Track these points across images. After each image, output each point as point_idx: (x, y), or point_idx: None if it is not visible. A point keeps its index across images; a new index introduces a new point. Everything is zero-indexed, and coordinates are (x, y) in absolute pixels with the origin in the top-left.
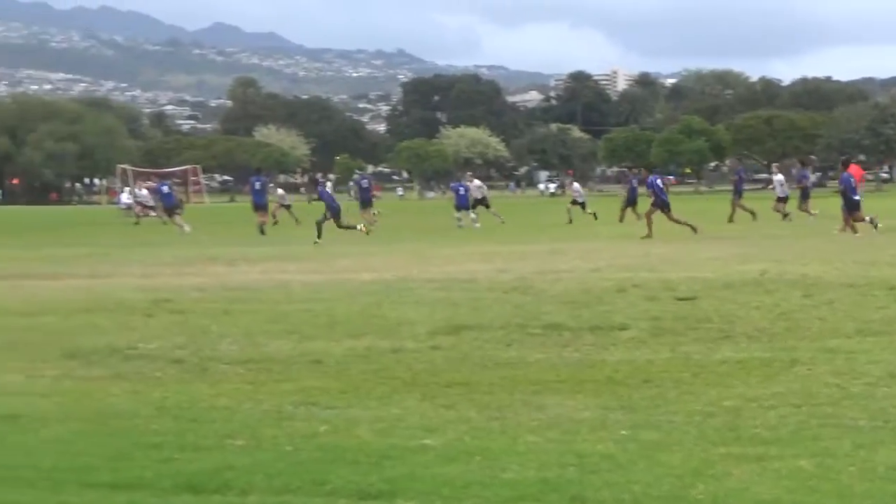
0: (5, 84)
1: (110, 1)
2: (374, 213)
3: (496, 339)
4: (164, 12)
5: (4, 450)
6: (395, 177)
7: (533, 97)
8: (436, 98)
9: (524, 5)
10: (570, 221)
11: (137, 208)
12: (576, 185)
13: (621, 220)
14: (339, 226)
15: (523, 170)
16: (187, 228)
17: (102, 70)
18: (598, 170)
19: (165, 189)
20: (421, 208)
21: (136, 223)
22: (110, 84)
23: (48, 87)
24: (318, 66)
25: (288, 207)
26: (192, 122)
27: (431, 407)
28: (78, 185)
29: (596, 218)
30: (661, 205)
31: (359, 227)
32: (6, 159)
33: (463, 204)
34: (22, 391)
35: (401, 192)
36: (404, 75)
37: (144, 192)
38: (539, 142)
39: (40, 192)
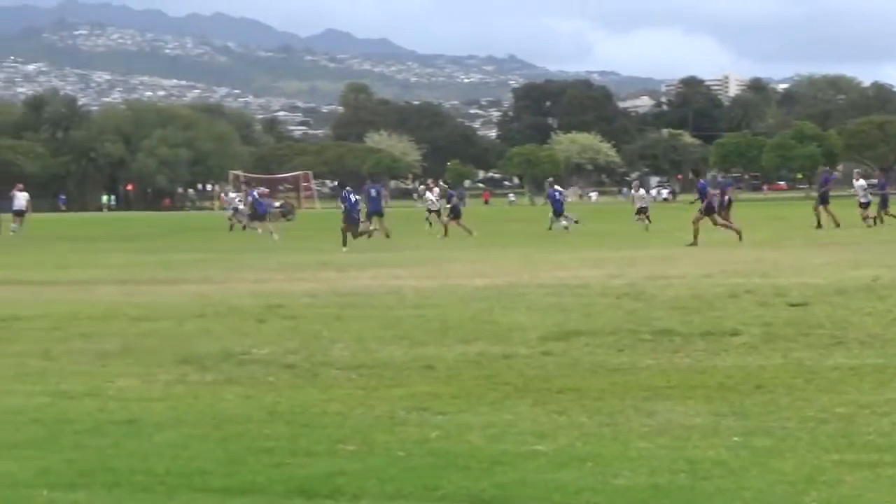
0: (120, 90)
1: (224, 8)
2: (373, 228)
3: (607, 344)
4: (276, 19)
5: (120, 454)
6: (506, 182)
7: (644, 103)
8: (547, 104)
9: (636, 11)
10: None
11: (230, 213)
12: (641, 190)
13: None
14: (354, 235)
15: (634, 175)
16: (276, 237)
17: (216, 76)
18: (709, 175)
19: (255, 195)
20: (531, 214)
21: (231, 229)
22: (223, 90)
23: (162, 93)
24: (430, 72)
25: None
26: (303, 128)
27: (543, 412)
28: (191, 190)
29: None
30: (709, 210)
31: (371, 229)
32: (120, 165)
33: (559, 209)
34: (137, 396)
35: (512, 198)
36: (516, 81)
37: (232, 195)
38: (650, 147)
39: (154, 198)
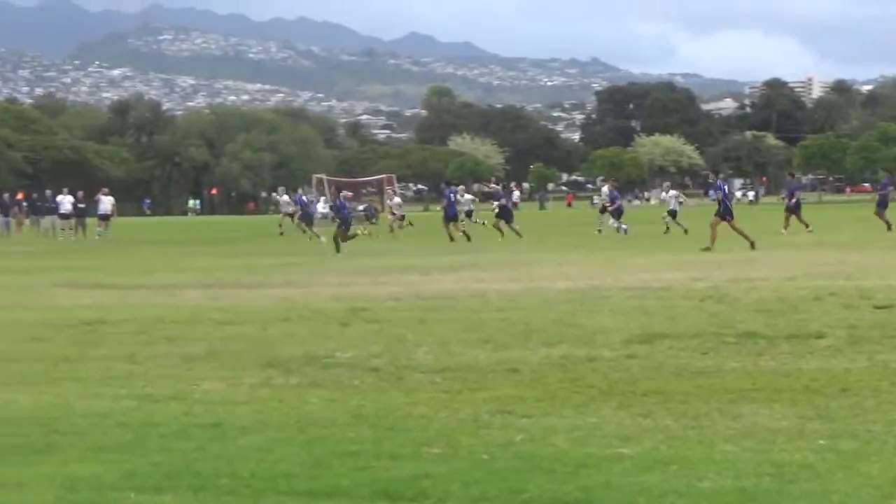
0: (204, 95)
1: (307, 12)
2: (363, 230)
3: (691, 347)
4: (360, 23)
5: (205, 457)
6: (589, 185)
7: (727, 105)
8: (630, 106)
9: (719, 13)
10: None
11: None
12: (672, 192)
13: (790, 225)
14: (343, 238)
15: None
16: (323, 240)
17: (299, 80)
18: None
19: (305, 200)
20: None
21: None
22: (307, 94)
23: (245, 97)
24: (513, 75)
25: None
26: (387, 131)
27: (627, 416)
28: (274, 194)
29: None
30: (726, 213)
31: (359, 232)
32: (205, 169)
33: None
34: (222, 399)
35: (595, 201)
36: (599, 84)
37: (286, 198)
38: (734, 149)
39: (238, 202)
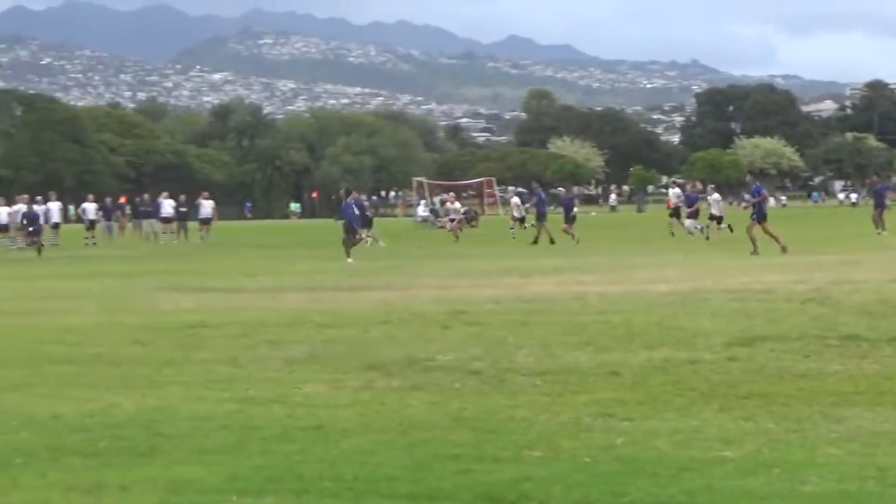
0: (304, 98)
1: (407, 15)
2: (367, 235)
3: (793, 350)
4: (459, 26)
5: (308, 460)
6: (688, 188)
7: (828, 106)
8: (730, 108)
9: (819, 14)
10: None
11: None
12: (716, 195)
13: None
14: (351, 243)
15: (818, 180)
16: (382, 244)
17: (399, 83)
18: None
19: (362, 203)
20: None
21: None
22: (406, 97)
23: (345, 101)
24: (612, 78)
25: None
26: (486, 134)
27: (729, 419)
28: (374, 197)
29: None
30: (760, 217)
31: (366, 237)
32: (305, 173)
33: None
34: (324, 402)
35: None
36: (698, 86)
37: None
38: (834, 151)
39: (337, 205)
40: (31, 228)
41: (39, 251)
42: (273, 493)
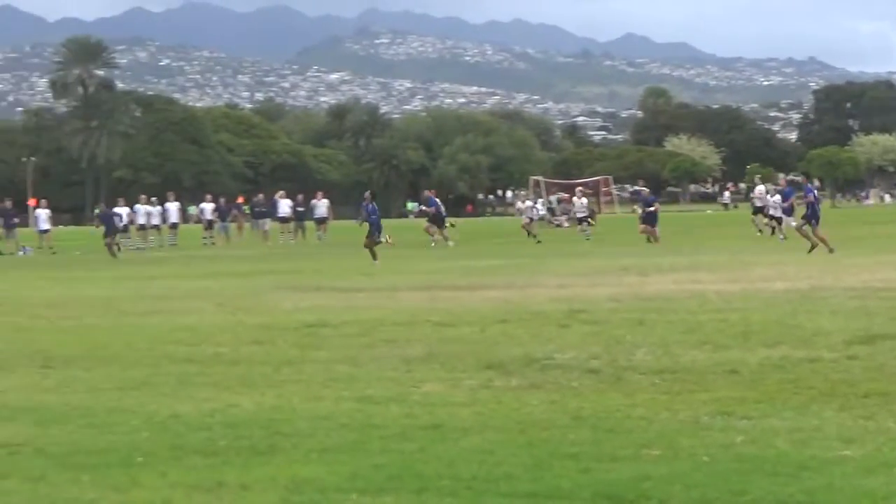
0: (420, 98)
1: (523, 14)
2: (388, 238)
3: None
4: (575, 24)
5: (427, 459)
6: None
7: None
8: (847, 105)
9: None
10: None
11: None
12: (760, 187)
13: None
14: (371, 244)
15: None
16: (451, 244)
17: (515, 82)
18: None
19: (437, 202)
20: (835, 217)
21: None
22: (522, 96)
23: (462, 100)
24: (729, 75)
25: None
26: (602, 132)
27: (849, 417)
28: (491, 196)
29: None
30: (812, 217)
31: (385, 239)
32: (422, 172)
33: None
34: (442, 401)
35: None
36: (816, 83)
37: (528, 203)
38: None
39: (455, 204)
40: (106, 230)
41: (114, 253)
42: (393, 492)
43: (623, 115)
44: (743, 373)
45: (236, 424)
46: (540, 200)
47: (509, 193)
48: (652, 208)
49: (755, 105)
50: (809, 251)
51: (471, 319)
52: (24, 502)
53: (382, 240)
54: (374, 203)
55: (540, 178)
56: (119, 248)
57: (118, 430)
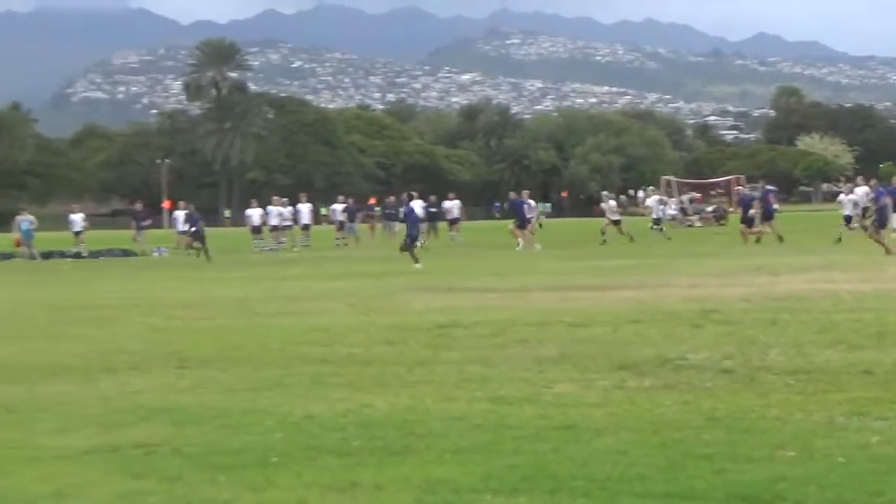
0: (551, 98)
1: (654, 13)
2: (423, 243)
3: None
4: (707, 24)
5: (560, 459)
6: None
7: None
8: None
9: None
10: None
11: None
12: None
13: None
14: (406, 248)
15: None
16: (537, 246)
17: (646, 82)
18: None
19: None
20: None
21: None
22: (654, 96)
23: (593, 100)
24: (862, 74)
25: (616, 223)
26: (734, 132)
27: None
28: (622, 196)
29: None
30: (881, 222)
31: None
32: (554, 172)
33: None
34: (575, 402)
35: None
36: None
37: (653, 200)
38: None
39: (586, 205)
40: (193, 231)
41: (198, 254)
42: (526, 493)
43: (755, 115)
44: (878, 373)
45: (370, 425)
46: (672, 200)
47: (640, 193)
48: (752, 210)
49: (888, 103)
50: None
51: (603, 320)
52: (160, 502)
53: (418, 244)
54: (410, 206)
55: (671, 177)
56: (203, 253)
57: (253, 431)
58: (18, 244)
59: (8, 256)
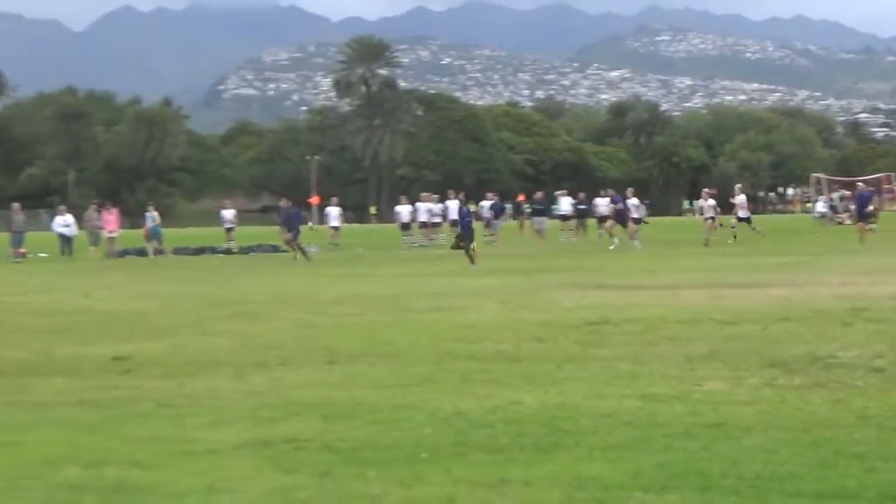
0: (701, 95)
1: (804, 10)
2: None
3: None
4: (857, 19)
5: (710, 457)
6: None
7: None
8: None
9: None
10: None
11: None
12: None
13: None
14: (456, 246)
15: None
16: (637, 244)
17: (796, 79)
18: None
19: (622, 202)
20: None
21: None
22: (804, 93)
23: (742, 97)
24: None
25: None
26: (885, 129)
27: None
28: (771, 194)
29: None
30: None
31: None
32: (702, 170)
33: None
34: (725, 399)
35: None
36: None
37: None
38: None
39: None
40: (289, 229)
41: (297, 254)
42: (676, 490)
43: None
44: None
45: (519, 421)
46: (821, 198)
47: (790, 191)
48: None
49: None
50: None
51: (753, 317)
52: (311, 497)
53: (472, 246)
54: (468, 206)
55: (821, 175)
56: (301, 251)
57: (403, 427)
58: (147, 236)
59: (143, 252)
